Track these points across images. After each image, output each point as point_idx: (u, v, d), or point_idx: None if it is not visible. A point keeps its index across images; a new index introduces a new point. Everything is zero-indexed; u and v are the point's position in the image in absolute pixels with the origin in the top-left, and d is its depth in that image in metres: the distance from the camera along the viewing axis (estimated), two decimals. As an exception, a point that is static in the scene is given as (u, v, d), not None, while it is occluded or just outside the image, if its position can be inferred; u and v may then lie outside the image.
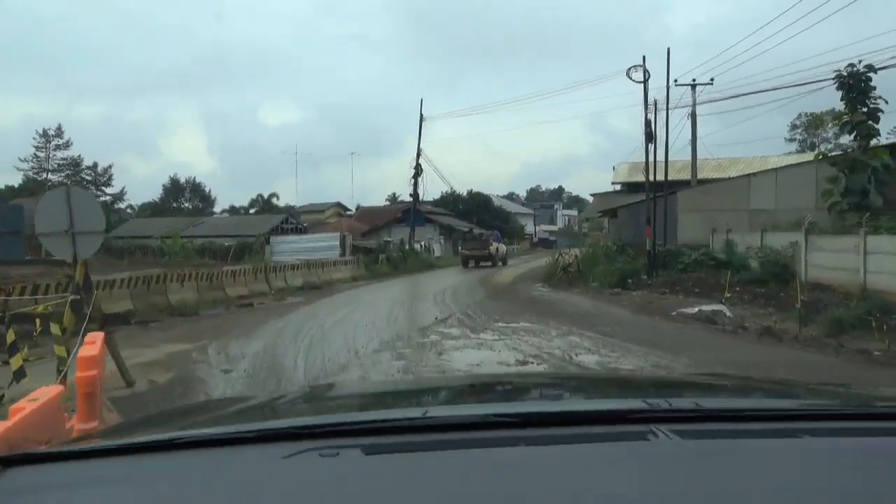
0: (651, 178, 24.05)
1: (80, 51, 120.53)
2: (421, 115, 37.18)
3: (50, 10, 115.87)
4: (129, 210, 71.86)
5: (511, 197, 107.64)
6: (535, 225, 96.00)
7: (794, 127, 63.99)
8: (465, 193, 61.75)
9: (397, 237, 39.49)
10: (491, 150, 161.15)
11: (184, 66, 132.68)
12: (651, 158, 24.00)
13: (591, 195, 44.17)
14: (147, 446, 1.38)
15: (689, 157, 33.80)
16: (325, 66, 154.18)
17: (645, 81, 23.81)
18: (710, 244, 24.95)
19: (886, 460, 1.24)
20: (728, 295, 19.04)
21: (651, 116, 23.99)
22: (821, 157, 23.28)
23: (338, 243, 37.01)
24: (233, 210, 78.08)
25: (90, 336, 4.57)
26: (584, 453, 1.27)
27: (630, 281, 22.35)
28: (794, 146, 62.77)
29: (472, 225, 55.95)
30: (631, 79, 23.90)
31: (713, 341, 11.69)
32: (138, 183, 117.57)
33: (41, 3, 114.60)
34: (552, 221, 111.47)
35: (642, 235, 25.85)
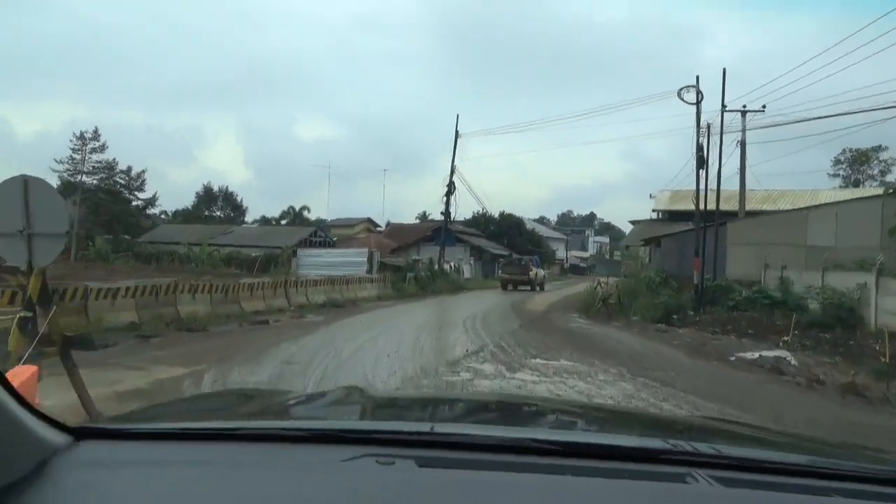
0: (701, 206, 22.33)
1: (124, 59, 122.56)
2: (456, 131, 35.92)
3: (100, 18, 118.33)
4: (163, 216, 71.90)
5: (542, 221, 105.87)
6: (566, 250, 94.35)
7: (837, 162, 61.93)
8: (496, 215, 60.28)
9: (426, 256, 38.12)
10: (523, 171, 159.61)
11: (224, 78, 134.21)
12: (701, 185, 22.31)
13: (631, 222, 42.35)
14: (212, 433, 1.41)
15: (734, 187, 31.89)
16: (361, 81, 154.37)
17: (698, 103, 22.20)
18: (762, 280, 23.05)
19: None
20: (786, 339, 17.25)
21: (703, 140, 22.31)
22: (891, 191, 21.29)
23: (365, 259, 35.76)
24: (264, 221, 77.67)
25: (14, 371, 3.17)
26: (624, 489, 1.26)
27: (675, 317, 20.57)
28: (837, 181, 60.49)
29: (503, 247, 54.39)
30: (683, 100, 22.30)
31: (790, 397, 9.96)
32: (174, 190, 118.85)
33: (91, 9, 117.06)
34: (584, 248, 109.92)
35: (687, 267, 24.08)
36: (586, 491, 1.25)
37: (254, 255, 43.78)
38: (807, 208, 25.01)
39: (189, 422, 1.62)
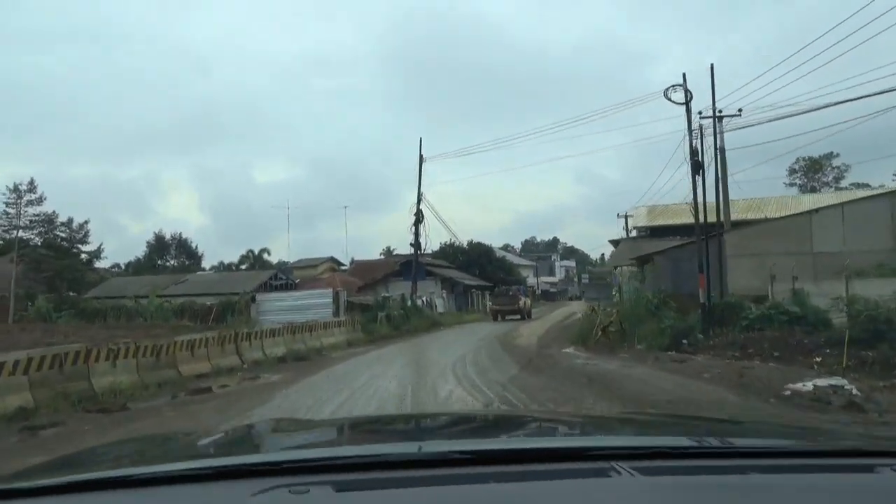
0: (699, 217, 20.02)
1: (65, 108, 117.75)
2: (420, 155, 33.33)
3: (31, 68, 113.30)
4: (114, 269, 67.29)
5: (507, 248, 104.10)
6: (536, 276, 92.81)
7: (792, 171, 62.48)
8: (465, 244, 57.79)
9: (396, 292, 35.11)
10: (483, 200, 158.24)
11: (174, 123, 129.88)
12: (699, 194, 20.03)
13: (611, 241, 40.06)
14: (105, 482, 1.32)
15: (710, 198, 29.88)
16: (316, 121, 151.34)
17: (687, 103, 20.00)
18: (770, 294, 20.71)
19: (827, 497, 1.28)
20: (818, 359, 14.83)
21: (695, 142, 20.07)
22: (904, 188, 19.28)
23: (331, 300, 32.59)
24: (221, 267, 73.71)
25: None
26: (548, 490, 1.26)
27: (685, 342, 18.05)
28: (794, 190, 60.49)
29: (474, 277, 51.81)
30: (670, 100, 20.06)
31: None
32: (129, 243, 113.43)
33: (28, 57, 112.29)
34: (551, 272, 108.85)
35: (685, 285, 21.69)
36: (511, 496, 1.23)
37: (209, 303, 40.07)
38: (809, 212, 22.87)
39: (84, 473, 1.46)
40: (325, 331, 22.71)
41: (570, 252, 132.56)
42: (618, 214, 39.87)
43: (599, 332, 19.81)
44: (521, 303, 37.12)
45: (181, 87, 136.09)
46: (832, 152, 59.64)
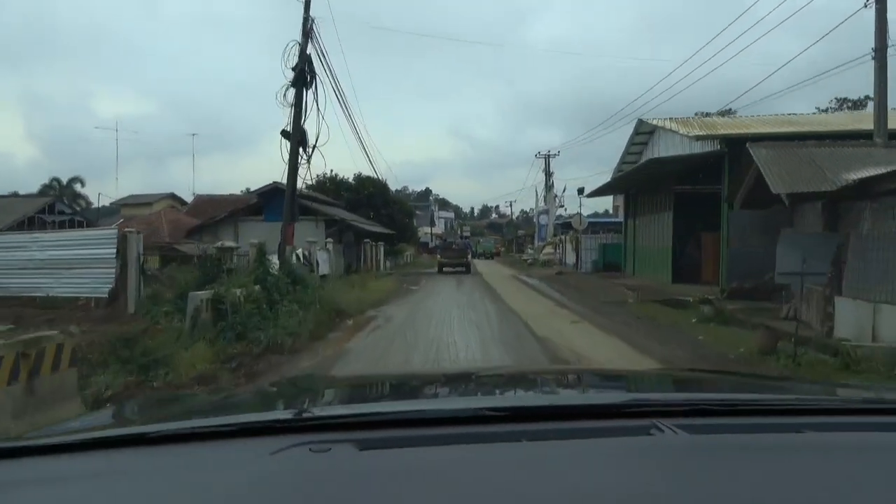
0: None
1: None
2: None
3: None
4: None
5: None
6: (418, 227, 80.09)
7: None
8: (350, 179, 41.67)
9: (250, 238, 18.88)
10: (353, 147, 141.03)
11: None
12: None
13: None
14: (121, 440, 1.25)
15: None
16: (174, 51, 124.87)
17: None
18: None
19: (886, 455, 1.19)
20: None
21: None
22: None
23: (114, 250, 15.83)
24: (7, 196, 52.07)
25: None
26: (585, 449, 1.17)
27: None
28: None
29: (371, 221, 36.25)
30: None
31: None
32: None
33: None
34: (431, 223, 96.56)
35: None
36: (545, 455, 1.13)
37: None
38: None
39: (93, 432, 1.39)
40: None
41: (443, 204, 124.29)
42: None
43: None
44: (469, 257, 37.61)
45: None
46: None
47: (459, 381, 2.28)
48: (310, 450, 1.10)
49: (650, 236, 25.25)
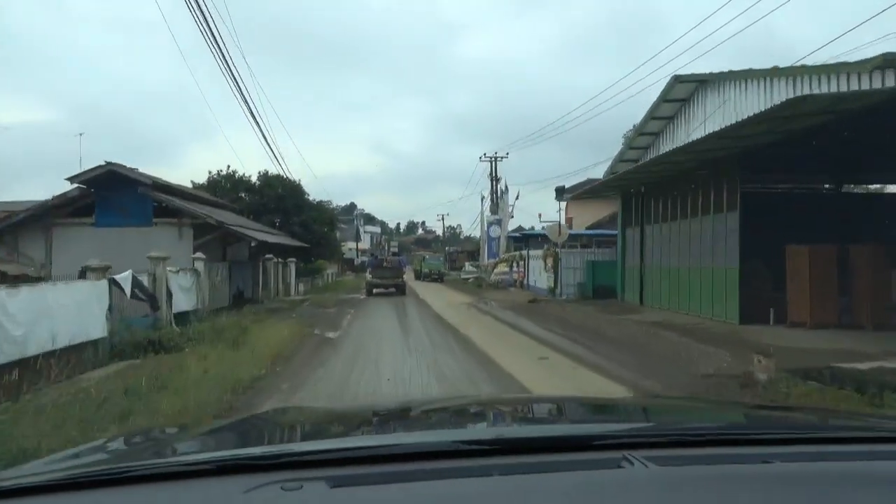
0: None
1: None
2: None
3: None
4: None
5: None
6: (357, 243, 72.80)
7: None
8: (253, 179, 32.09)
9: (72, 251, 9.29)
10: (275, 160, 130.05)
11: None
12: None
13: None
14: (90, 481, 1.17)
15: None
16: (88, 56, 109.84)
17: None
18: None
19: (853, 484, 1.16)
20: None
21: None
22: None
23: None
24: None
25: None
26: (556, 483, 1.14)
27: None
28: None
29: (275, 231, 26.94)
30: None
31: None
32: None
33: None
34: (357, 238, 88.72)
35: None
36: (517, 489, 1.12)
37: None
38: None
39: (59, 472, 1.31)
40: None
41: (369, 220, 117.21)
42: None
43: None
44: (403, 276, 30.86)
45: None
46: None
47: (434, 412, 2.19)
48: (281, 488, 1.08)
49: (675, 251, 17.46)
